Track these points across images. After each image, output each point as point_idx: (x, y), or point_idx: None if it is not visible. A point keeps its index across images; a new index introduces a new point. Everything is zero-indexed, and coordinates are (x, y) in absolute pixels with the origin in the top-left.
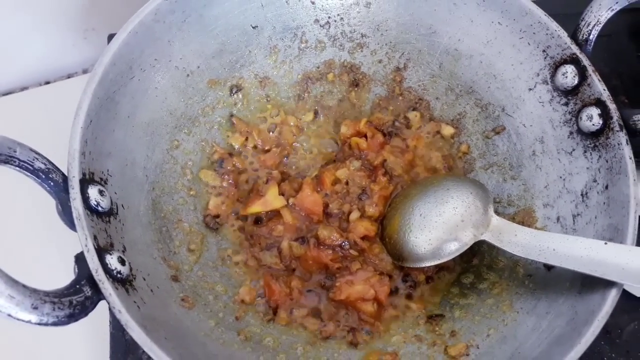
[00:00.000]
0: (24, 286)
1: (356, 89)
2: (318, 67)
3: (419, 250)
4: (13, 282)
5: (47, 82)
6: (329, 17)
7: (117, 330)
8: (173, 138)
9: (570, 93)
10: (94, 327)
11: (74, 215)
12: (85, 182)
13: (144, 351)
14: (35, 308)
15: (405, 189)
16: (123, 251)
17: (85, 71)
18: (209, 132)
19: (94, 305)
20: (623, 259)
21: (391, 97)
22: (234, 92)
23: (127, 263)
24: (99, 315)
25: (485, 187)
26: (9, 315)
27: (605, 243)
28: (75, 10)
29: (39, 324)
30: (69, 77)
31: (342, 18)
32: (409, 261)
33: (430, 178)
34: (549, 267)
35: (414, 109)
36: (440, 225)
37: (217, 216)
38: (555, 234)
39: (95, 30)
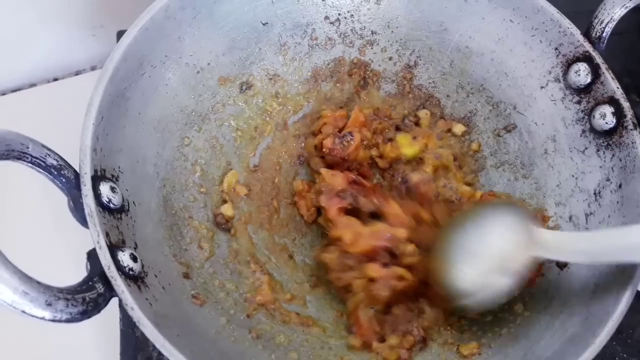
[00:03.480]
0: (38, 283)
1: (366, 86)
2: (328, 64)
3: (473, 287)
4: (27, 279)
5: (55, 79)
6: (339, 14)
7: (127, 327)
8: (183, 135)
9: (582, 91)
10: (104, 325)
11: (86, 211)
12: (96, 179)
13: (154, 348)
14: (49, 304)
15: (440, 230)
16: (135, 248)
17: (93, 68)
18: (219, 129)
19: (106, 302)
20: None
21: (401, 94)
22: (244, 89)
23: (138, 260)
24: (109, 313)
25: (522, 207)
26: (23, 311)
27: None
28: (83, 7)
29: (53, 320)
30: (77, 74)
31: (352, 15)
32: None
33: (462, 212)
34: (561, 267)
35: (424, 107)
36: (491, 253)
37: (229, 219)
38: (609, 229)
39: (104, 27)
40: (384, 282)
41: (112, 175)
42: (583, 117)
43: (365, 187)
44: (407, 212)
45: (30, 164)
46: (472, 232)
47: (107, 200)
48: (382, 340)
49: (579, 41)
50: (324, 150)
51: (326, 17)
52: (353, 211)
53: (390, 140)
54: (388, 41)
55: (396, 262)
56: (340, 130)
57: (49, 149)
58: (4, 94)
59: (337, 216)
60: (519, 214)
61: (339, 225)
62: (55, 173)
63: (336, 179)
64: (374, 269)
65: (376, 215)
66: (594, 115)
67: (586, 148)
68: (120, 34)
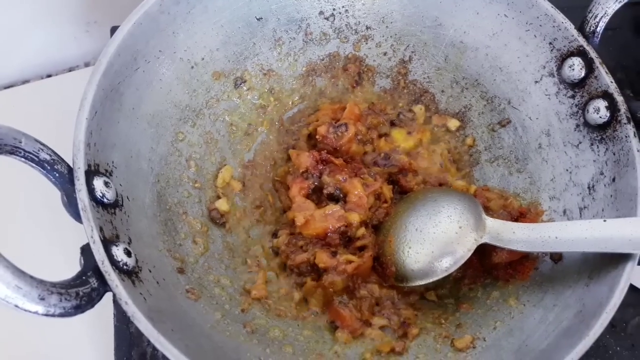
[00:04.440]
0: (31, 277)
1: (361, 81)
2: (322, 60)
3: (422, 266)
4: (20, 273)
5: (49, 75)
6: (334, 9)
7: (122, 323)
8: (177, 130)
9: (576, 85)
10: (99, 320)
11: (80, 206)
12: (90, 174)
13: (148, 343)
14: (42, 299)
15: (392, 210)
16: (129, 243)
17: (87, 64)
18: (213, 124)
19: (100, 296)
20: (627, 230)
21: (396, 89)
22: (238, 84)
23: (133, 255)
24: (103, 308)
25: (469, 194)
26: (16, 306)
27: (604, 220)
28: (76, 3)
29: (46, 314)
30: (70, 70)
31: (347, 10)
32: (416, 279)
33: (413, 194)
34: (555, 260)
35: (419, 102)
36: (439, 236)
37: (224, 214)
38: (552, 223)
39: (98, 23)
40: (334, 270)
41: (106, 170)
42: (577, 112)
43: (335, 164)
44: (369, 191)
45: (23, 159)
46: (424, 214)
47: (101, 195)
48: (369, 324)
49: (573, 36)
50: (317, 137)
51: (321, 12)
52: (317, 190)
53: (385, 135)
54: (383, 36)
55: (350, 243)
56: (336, 122)
57: (42, 144)
58: None
59: (296, 196)
60: (468, 200)
61: (294, 206)
62: (49, 168)
63: (302, 159)
64: (322, 259)
65: (338, 196)
66: (587, 110)
67: (580, 142)
68: (114, 30)
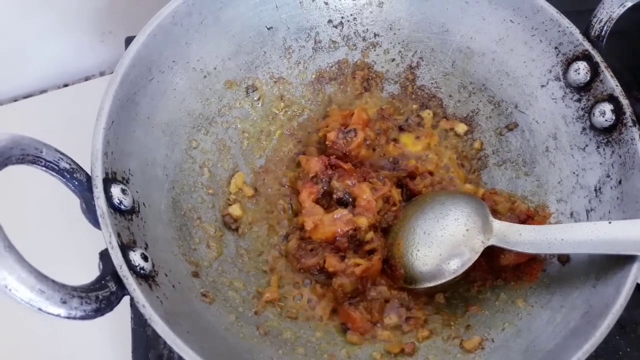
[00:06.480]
0: (53, 281)
1: (369, 87)
2: (331, 67)
3: (430, 268)
4: (43, 277)
5: (66, 85)
6: (342, 18)
7: (139, 326)
8: (191, 138)
9: (582, 89)
10: (116, 324)
11: (98, 213)
12: (108, 182)
13: (164, 345)
14: (64, 302)
15: (401, 213)
16: (145, 248)
17: (102, 73)
18: (225, 131)
19: (118, 300)
20: (632, 232)
21: (404, 95)
22: (249, 92)
23: (149, 259)
24: (121, 312)
25: (476, 197)
26: (39, 309)
27: (609, 222)
28: (92, 13)
29: (68, 317)
30: (86, 80)
31: (355, 18)
32: (424, 281)
33: (421, 197)
34: (563, 262)
35: (427, 107)
36: (447, 239)
37: (237, 219)
38: (558, 225)
39: (112, 33)
40: (342, 273)
41: (123, 178)
42: (583, 115)
43: (344, 169)
44: (378, 195)
45: (44, 168)
46: (432, 217)
47: (118, 202)
48: (379, 325)
49: (578, 40)
50: (327, 143)
51: (329, 21)
52: (327, 195)
53: (394, 140)
54: (390, 43)
55: (359, 247)
56: (345, 127)
57: (61, 153)
58: (15, 100)
59: (306, 201)
60: (475, 203)
61: (303, 211)
62: (68, 176)
63: (311, 164)
64: (331, 264)
65: (347, 201)
66: (593, 113)
67: (586, 145)
68: (128, 40)
